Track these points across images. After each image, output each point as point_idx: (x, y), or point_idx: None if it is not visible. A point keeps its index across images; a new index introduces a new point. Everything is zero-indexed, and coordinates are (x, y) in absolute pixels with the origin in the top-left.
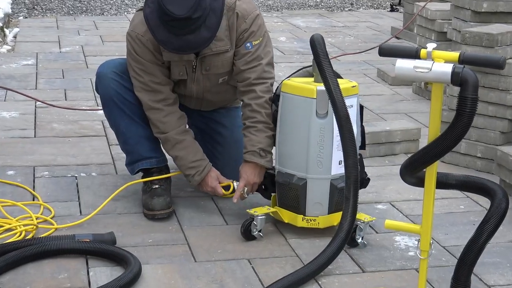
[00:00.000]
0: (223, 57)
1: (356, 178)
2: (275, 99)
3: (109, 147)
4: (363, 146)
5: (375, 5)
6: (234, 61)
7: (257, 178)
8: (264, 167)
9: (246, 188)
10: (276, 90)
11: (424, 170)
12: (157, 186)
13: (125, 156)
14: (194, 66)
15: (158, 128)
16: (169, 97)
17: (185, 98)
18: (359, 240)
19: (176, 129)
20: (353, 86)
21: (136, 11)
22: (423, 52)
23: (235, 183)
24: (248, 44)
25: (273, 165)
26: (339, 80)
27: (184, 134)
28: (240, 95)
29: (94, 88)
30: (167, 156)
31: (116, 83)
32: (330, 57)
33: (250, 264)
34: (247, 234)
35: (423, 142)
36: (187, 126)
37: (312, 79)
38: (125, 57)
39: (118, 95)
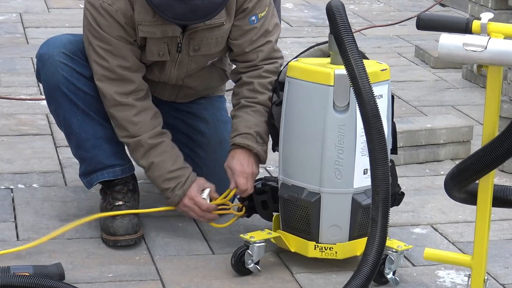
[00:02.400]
0: (218, 33)
1: (387, 192)
2: (276, 87)
3: (55, 150)
4: (395, 150)
5: None
6: (233, 39)
7: (254, 168)
8: (259, 158)
9: (225, 191)
10: (278, 76)
11: (477, 182)
12: (121, 202)
13: (78, 163)
14: (180, 44)
15: (126, 131)
16: (141, 87)
17: (157, 86)
18: (390, 276)
19: (150, 131)
20: (383, 70)
21: None
22: (475, 24)
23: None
24: (253, 18)
25: (276, 175)
26: (365, 62)
27: (160, 137)
28: (236, 75)
29: (36, 73)
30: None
31: (65, 68)
32: (353, 30)
33: None
34: (240, 267)
35: (476, 145)
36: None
37: (329, 59)
38: (78, 32)
39: (68, 83)
